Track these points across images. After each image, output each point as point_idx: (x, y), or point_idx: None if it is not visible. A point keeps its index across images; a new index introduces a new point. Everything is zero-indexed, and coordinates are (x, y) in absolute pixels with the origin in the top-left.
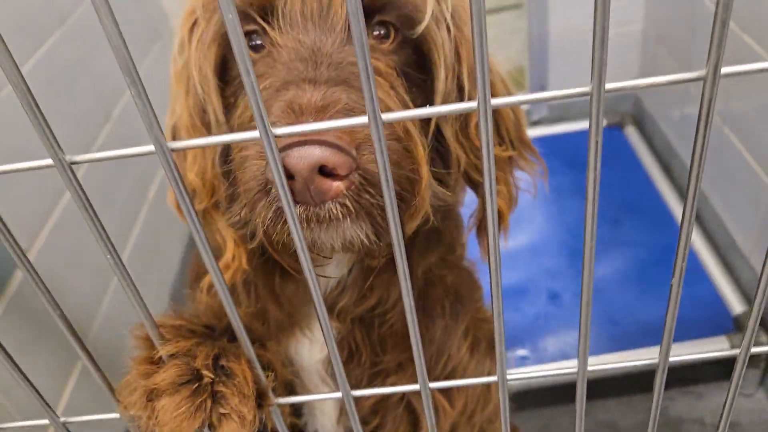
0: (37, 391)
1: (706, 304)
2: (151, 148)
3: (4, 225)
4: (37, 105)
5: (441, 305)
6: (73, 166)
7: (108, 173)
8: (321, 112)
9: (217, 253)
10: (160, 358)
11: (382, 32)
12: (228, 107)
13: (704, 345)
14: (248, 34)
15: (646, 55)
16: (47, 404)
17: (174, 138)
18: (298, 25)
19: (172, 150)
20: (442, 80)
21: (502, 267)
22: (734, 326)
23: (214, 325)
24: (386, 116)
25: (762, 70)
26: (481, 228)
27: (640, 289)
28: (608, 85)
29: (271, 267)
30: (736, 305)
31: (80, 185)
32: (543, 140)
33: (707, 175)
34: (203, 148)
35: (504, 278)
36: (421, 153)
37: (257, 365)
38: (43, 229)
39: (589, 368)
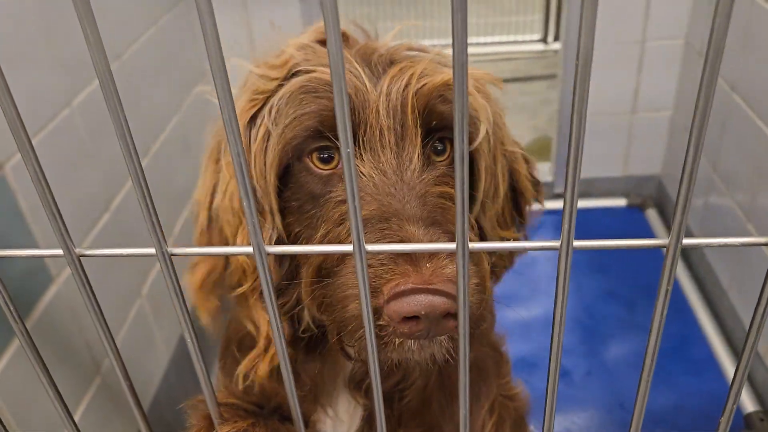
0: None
1: (718, 400)
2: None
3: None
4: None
5: (455, 399)
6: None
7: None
8: (431, 261)
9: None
10: None
11: (439, 147)
12: (285, 210)
13: None
14: (319, 149)
15: (672, 143)
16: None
17: (212, 218)
18: (377, 153)
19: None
20: (483, 181)
21: (515, 337)
22: (744, 424)
23: (263, 404)
24: (473, 245)
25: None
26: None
27: (652, 377)
28: (686, 240)
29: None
30: (748, 404)
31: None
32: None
33: (728, 269)
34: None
35: (516, 350)
36: (487, 269)
37: None
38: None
39: None
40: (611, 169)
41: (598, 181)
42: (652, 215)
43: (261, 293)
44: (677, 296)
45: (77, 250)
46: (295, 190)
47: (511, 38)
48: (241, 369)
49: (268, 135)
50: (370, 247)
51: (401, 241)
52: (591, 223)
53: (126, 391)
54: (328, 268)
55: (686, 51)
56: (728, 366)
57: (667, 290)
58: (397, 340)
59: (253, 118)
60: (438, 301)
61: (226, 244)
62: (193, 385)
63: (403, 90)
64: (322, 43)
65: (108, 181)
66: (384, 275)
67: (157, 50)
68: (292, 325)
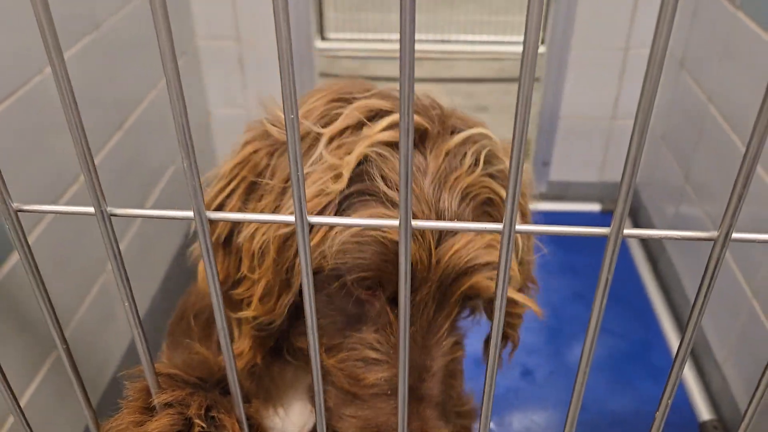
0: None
1: (674, 407)
2: (190, 214)
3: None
4: (90, 155)
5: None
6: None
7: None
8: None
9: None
10: (154, 406)
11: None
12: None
13: None
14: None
15: (649, 151)
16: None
17: (232, 240)
18: (415, 319)
19: (211, 220)
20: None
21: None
22: None
23: (206, 377)
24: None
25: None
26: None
27: (612, 380)
28: (626, 231)
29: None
30: (703, 412)
31: (113, 233)
32: (535, 216)
33: (693, 278)
34: (278, 277)
35: (477, 347)
36: None
37: (245, 425)
38: (34, 230)
39: None
40: (588, 174)
41: (574, 186)
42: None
43: (254, 324)
44: (642, 302)
45: (14, 205)
46: (325, 298)
47: (499, 38)
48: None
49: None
50: (313, 219)
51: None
52: (561, 226)
53: (67, 366)
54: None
55: (668, 61)
56: (688, 373)
57: (607, 279)
58: None
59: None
60: None
61: (237, 271)
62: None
63: (460, 267)
64: (393, 146)
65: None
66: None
67: (138, 24)
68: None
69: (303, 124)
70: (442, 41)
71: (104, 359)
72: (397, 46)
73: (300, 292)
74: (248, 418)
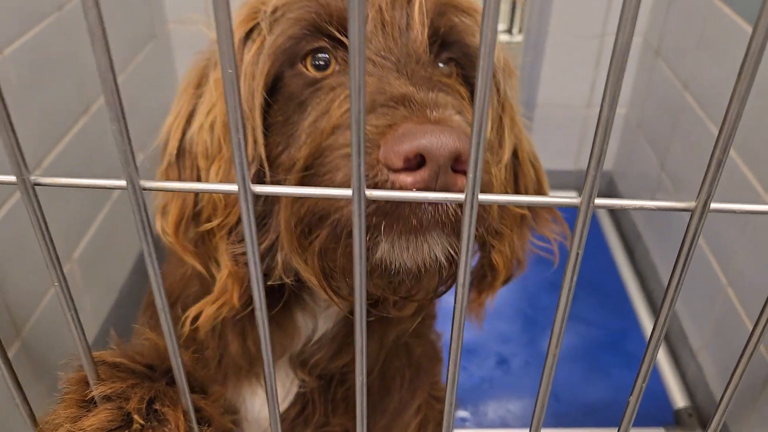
0: None
1: (649, 395)
2: (122, 183)
3: None
4: (8, 117)
5: (401, 377)
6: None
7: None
8: (435, 108)
9: (177, 292)
10: (92, 398)
11: (445, 69)
12: (270, 127)
13: None
14: (314, 51)
15: (625, 140)
16: None
17: (183, 149)
18: (380, 42)
19: (144, 189)
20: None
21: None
22: (674, 420)
23: (156, 365)
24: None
25: (750, 212)
26: (473, 284)
27: (587, 369)
28: (597, 200)
29: (244, 308)
30: (678, 399)
31: (39, 205)
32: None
33: (669, 265)
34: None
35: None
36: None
37: (192, 417)
38: None
39: None
40: (564, 163)
41: (551, 174)
42: (601, 211)
43: (229, 232)
44: (619, 291)
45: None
46: (283, 103)
47: None
48: (192, 311)
49: (262, 46)
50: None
51: (397, 96)
52: None
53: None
54: (313, 167)
55: (644, 49)
56: (663, 361)
57: (578, 254)
58: (388, 235)
59: (249, 33)
60: (447, 138)
61: (198, 179)
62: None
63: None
64: None
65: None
66: (381, 128)
67: (104, 5)
68: (241, 276)
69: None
70: None
71: (71, 348)
72: None
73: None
74: (198, 410)
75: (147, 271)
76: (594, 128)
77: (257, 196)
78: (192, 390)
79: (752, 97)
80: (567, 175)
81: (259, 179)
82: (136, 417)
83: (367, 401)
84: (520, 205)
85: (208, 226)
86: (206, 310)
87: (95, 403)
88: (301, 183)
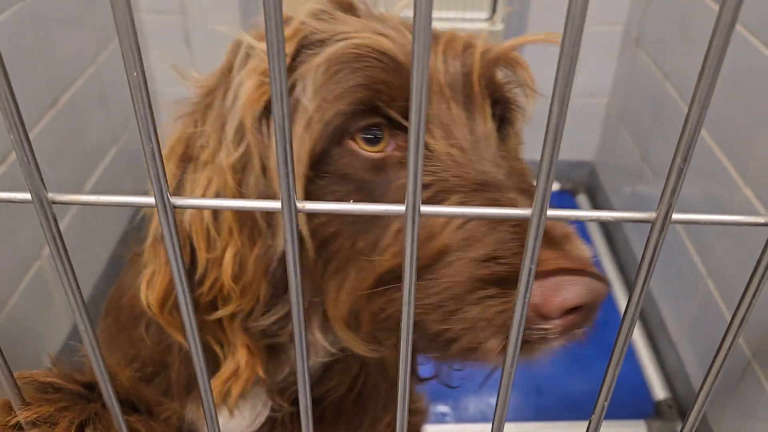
0: None
1: (630, 386)
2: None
3: None
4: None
5: (377, 394)
6: None
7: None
8: (569, 241)
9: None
10: (18, 424)
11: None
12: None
13: (622, 427)
14: (365, 129)
15: (606, 130)
16: None
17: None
18: (448, 128)
19: (54, 203)
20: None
21: None
22: (654, 412)
23: (96, 383)
24: (425, 209)
25: (707, 222)
26: None
27: (569, 361)
28: (550, 212)
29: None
30: (658, 391)
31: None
32: None
33: None
34: (246, 240)
35: None
36: None
37: None
38: None
39: None
40: None
41: (532, 165)
42: (582, 201)
43: (246, 318)
44: None
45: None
46: (334, 181)
47: (459, 15)
48: (216, 391)
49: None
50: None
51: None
52: None
53: None
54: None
55: (624, 39)
56: (644, 353)
57: (530, 269)
58: (548, 336)
59: (268, 107)
60: (599, 286)
61: (191, 258)
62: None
63: (464, 59)
64: (343, 7)
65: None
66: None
67: None
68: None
69: (234, 41)
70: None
71: (43, 347)
72: None
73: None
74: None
75: (116, 275)
76: (574, 118)
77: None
78: (135, 410)
79: (740, 97)
80: None
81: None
82: None
83: (341, 420)
84: (468, 218)
85: (219, 314)
86: (234, 387)
87: (22, 429)
88: (375, 296)
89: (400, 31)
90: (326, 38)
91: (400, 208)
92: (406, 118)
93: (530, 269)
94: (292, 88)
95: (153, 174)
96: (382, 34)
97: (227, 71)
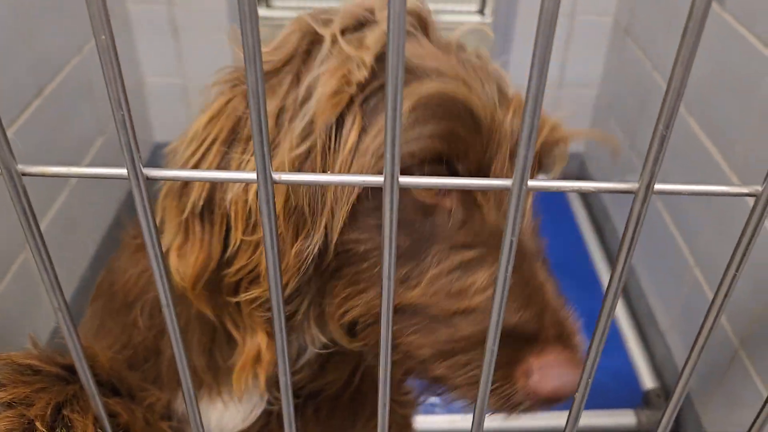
0: None
1: (619, 376)
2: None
3: None
4: None
5: (374, 389)
6: None
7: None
8: (576, 335)
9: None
10: None
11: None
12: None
13: (611, 416)
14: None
15: (596, 121)
16: None
17: (213, 202)
18: (498, 196)
19: (23, 174)
20: None
21: None
22: (643, 401)
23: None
24: (403, 180)
25: (689, 193)
26: None
27: None
28: (531, 182)
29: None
30: (647, 380)
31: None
32: None
33: (638, 249)
34: (290, 230)
35: None
36: None
37: (105, 424)
38: None
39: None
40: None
41: None
42: (572, 193)
43: (264, 305)
44: (590, 273)
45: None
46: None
47: (449, 7)
48: (242, 376)
49: (355, 149)
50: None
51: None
52: None
53: None
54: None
55: (614, 29)
56: (633, 343)
57: (512, 241)
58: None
59: (341, 118)
60: (575, 382)
61: (225, 242)
62: None
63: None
64: (420, 22)
65: None
66: (531, 339)
67: None
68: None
69: (302, 24)
70: None
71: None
72: None
73: (326, 228)
74: (114, 415)
75: (105, 260)
76: (564, 108)
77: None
78: (117, 393)
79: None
80: None
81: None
82: (38, 424)
83: (336, 414)
84: (448, 188)
85: (245, 297)
86: (261, 375)
87: None
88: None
89: (478, 77)
90: (409, 66)
91: (378, 178)
92: (474, 175)
93: (511, 241)
94: (367, 100)
95: (124, 142)
96: (465, 82)
97: (292, 54)
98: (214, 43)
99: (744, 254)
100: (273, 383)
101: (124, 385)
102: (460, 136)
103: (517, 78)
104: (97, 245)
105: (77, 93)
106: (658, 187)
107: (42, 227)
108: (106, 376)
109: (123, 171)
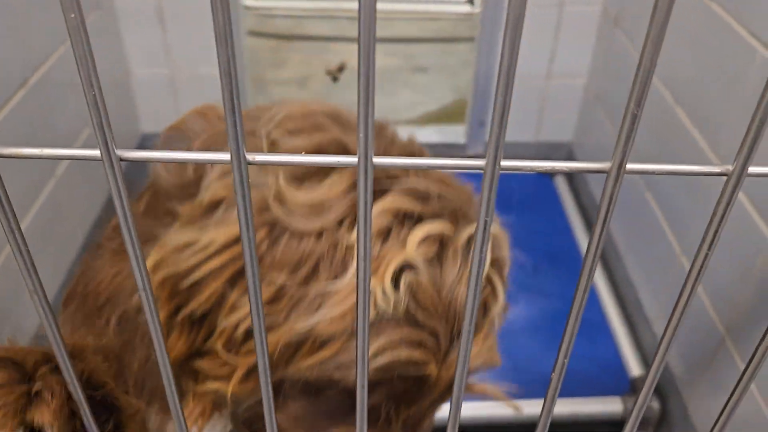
0: None
1: (606, 363)
2: (96, 153)
3: None
4: None
5: None
6: None
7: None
8: None
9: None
10: None
11: None
12: None
13: (598, 404)
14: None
15: (584, 110)
16: None
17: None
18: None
19: (2, 156)
20: None
21: None
22: (630, 388)
23: (52, 359)
24: (377, 160)
25: (662, 172)
26: None
27: (548, 339)
28: (504, 162)
29: None
30: (634, 368)
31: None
32: (474, 176)
33: (625, 235)
34: None
35: None
36: None
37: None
38: None
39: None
40: (523, 135)
41: (509, 146)
42: (560, 182)
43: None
44: (577, 261)
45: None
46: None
47: None
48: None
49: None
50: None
51: None
52: (499, 187)
53: None
54: None
55: (603, 19)
56: (620, 331)
57: (486, 222)
58: None
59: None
60: None
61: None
62: None
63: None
64: (429, 261)
65: None
66: None
67: None
68: None
69: (327, 233)
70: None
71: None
72: (333, 4)
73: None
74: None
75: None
76: (554, 99)
77: None
78: (96, 389)
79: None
80: (526, 148)
81: None
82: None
83: None
84: (421, 168)
85: (209, 388)
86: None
87: None
88: None
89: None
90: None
91: (352, 159)
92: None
93: (486, 222)
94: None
95: (96, 123)
96: (419, 343)
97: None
98: (202, 33)
99: (716, 233)
100: (241, 420)
101: (99, 385)
102: (403, 396)
103: None
104: (86, 234)
105: (62, 84)
106: (630, 166)
107: (28, 219)
108: (89, 373)
109: (96, 152)
